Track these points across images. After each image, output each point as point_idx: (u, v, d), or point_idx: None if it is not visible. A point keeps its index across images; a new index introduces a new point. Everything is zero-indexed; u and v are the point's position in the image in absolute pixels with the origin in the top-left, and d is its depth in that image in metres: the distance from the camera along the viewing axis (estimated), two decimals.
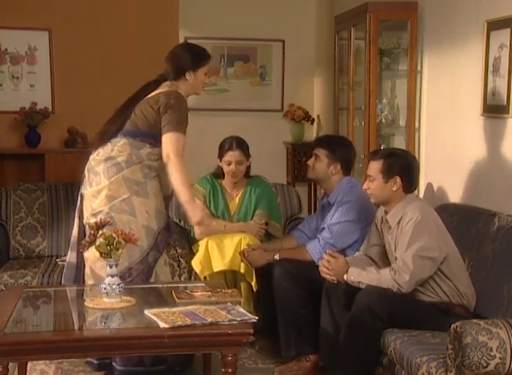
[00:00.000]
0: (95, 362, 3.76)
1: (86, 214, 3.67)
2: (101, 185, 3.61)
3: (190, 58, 3.75)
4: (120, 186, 3.60)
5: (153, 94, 3.66)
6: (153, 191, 3.67)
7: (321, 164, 4.10)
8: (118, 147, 3.62)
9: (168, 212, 3.90)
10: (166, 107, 3.58)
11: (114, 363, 3.61)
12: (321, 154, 4.10)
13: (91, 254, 3.48)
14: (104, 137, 3.68)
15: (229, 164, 4.36)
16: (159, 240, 3.68)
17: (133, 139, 3.63)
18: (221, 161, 4.42)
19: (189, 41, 6.33)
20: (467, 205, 3.96)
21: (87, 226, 3.58)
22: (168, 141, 3.56)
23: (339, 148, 4.11)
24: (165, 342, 2.82)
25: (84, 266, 3.70)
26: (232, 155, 4.36)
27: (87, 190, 3.68)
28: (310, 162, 4.16)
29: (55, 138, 6.07)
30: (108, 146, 3.64)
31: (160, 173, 3.70)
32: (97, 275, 3.54)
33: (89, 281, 3.64)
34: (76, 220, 3.76)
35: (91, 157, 3.70)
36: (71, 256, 3.75)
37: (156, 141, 3.63)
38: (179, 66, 3.72)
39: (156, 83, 3.71)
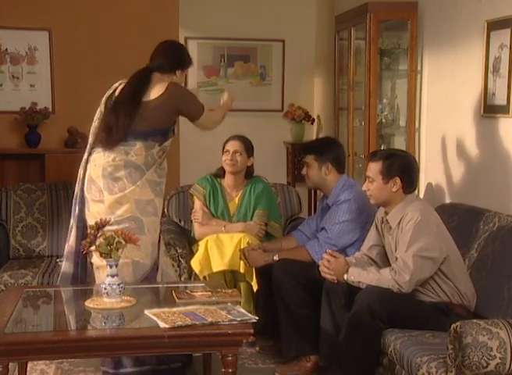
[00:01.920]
0: (110, 371, 3.63)
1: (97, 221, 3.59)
2: (128, 190, 3.58)
3: (185, 57, 3.85)
4: (145, 189, 3.62)
5: (155, 95, 3.63)
6: (164, 191, 3.75)
7: (313, 170, 4.10)
8: (134, 151, 3.61)
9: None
10: (179, 99, 3.66)
11: (124, 369, 3.56)
12: (310, 160, 4.10)
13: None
14: (114, 136, 3.60)
15: (227, 153, 4.38)
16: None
17: (145, 140, 3.63)
18: (223, 153, 4.43)
19: (189, 41, 6.36)
20: (467, 205, 3.96)
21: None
22: (206, 120, 3.78)
23: (325, 148, 4.12)
24: (165, 342, 2.83)
25: (82, 275, 3.65)
26: (230, 144, 4.39)
27: (105, 197, 3.60)
28: (303, 171, 4.17)
29: (55, 138, 6.07)
30: (122, 150, 3.60)
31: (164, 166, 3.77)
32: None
33: None
34: (74, 229, 3.67)
35: (104, 161, 3.61)
36: (66, 266, 3.67)
37: (164, 137, 3.68)
38: (175, 62, 3.78)
39: (149, 73, 3.71)
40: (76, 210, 3.69)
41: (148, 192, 3.62)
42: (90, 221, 3.59)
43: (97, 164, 3.65)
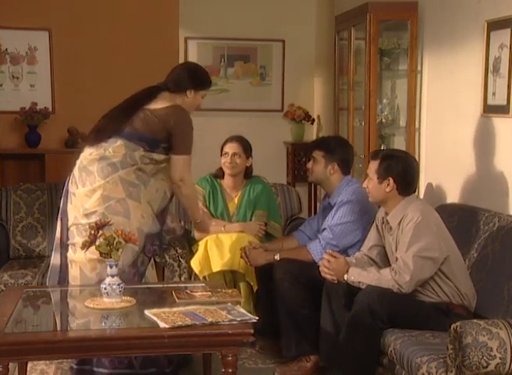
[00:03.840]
0: (74, 366, 3.59)
1: (75, 214, 3.57)
2: (96, 184, 3.54)
3: (198, 76, 3.76)
4: (116, 186, 3.54)
5: (158, 106, 3.59)
6: (146, 199, 3.59)
7: (318, 166, 4.10)
8: (113, 148, 3.56)
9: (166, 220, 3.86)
10: (177, 125, 3.57)
11: (99, 368, 3.49)
12: (318, 155, 4.10)
13: (81, 256, 3.45)
14: (100, 135, 3.60)
15: (226, 155, 4.38)
16: (148, 243, 3.61)
17: (129, 141, 3.57)
18: (221, 155, 4.43)
19: (189, 41, 6.36)
20: (467, 205, 3.96)
21: (72, 228, 3.54)
22: (181, 164, 3.64)
23: (336, 147, 4.12)
24: (165, 342, 2.82)
25: (67, 267, 3.63)
26: (229, 147, 4.40)
27: (77, 189, 3.59)
28: (308, 165, 4.17)
29: (55, 138, 6.07)
30: (102, 146, 3.58)
31: (153, 180, 3.66)
32: (88, 277, 3.50)
33: (75, 283, 3.55)
34: (59, 221, 3.68)
35: (82, 155, 3.63)
36: (55, 258, 3.67)
37: (150, 147, 3.59)
38: (185, 80, 3.69)
39: (157, 90, 3.67)
40: (61, 203, 3.70)
41: (119, 190, 3.54)
42: (71, 214, 3.61)
43: (79, 159, 3.67)
